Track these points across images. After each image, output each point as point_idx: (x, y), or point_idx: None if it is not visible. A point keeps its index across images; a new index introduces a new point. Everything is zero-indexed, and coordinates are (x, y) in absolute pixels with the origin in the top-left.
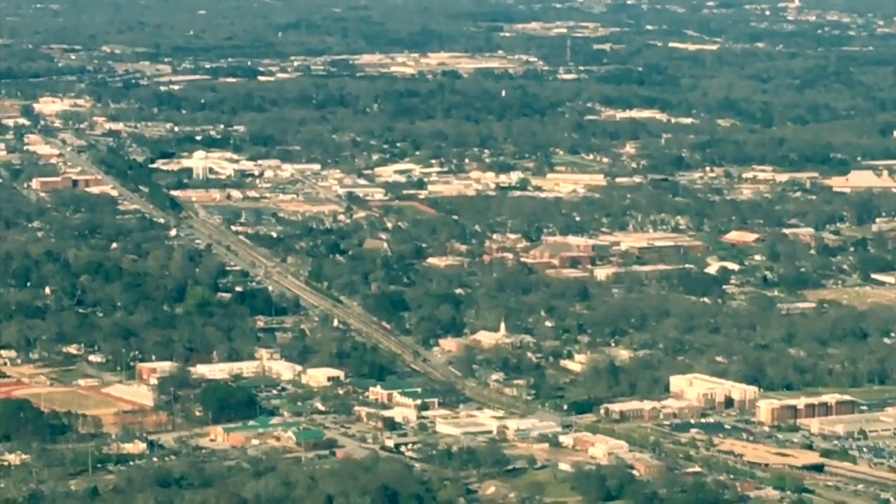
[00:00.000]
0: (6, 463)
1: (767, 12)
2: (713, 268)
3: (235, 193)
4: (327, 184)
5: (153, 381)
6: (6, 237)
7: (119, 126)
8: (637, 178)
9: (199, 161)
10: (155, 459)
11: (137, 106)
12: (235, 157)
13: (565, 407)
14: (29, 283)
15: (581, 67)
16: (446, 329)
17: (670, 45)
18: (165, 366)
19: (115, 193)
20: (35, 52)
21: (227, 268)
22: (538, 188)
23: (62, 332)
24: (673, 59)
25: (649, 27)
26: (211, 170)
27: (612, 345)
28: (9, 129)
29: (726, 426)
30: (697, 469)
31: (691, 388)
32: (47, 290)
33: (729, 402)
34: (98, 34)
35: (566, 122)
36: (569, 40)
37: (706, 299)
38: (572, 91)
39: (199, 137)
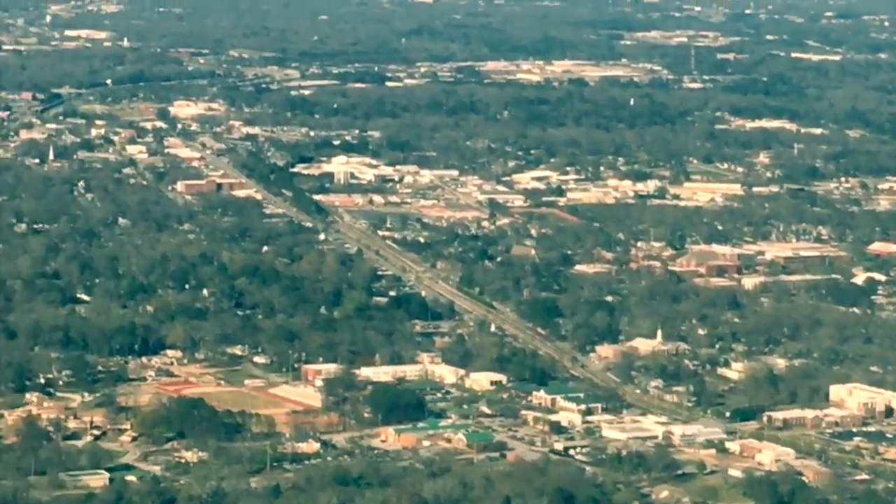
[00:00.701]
0: (183, 460)
1: (886, 23)
2: (860, 278)
3: (377, 198)
4: (467, 190)
5: (318, 382)
6: (159, 239)
7: (255, 130)
8: (773, 188)
9: (340, 166)
10: (330, 459)
11: (271, 110)
12: (374, 162)
13: (727, 414)
14: (187, 286)
15: (706, 76)
16: (601, 336)
17: (793, 55)
18: (330, 368)
19: (259, 197)
20: (164, 55)
21: (380, 272)
22: (676, 196)
23: (225, 334)
24: (797, 69)
25: (769, 37)
26: (352, 175)
27: (767, 353)
28: (147, 132)
29: (888, 435)
30: (865, 476)
31: (851, 398)
32: (205, 292)
33: (889, 411)
34: (224, 38)
35: (697, 130)
36: (692, 49)
37: (856, 309)
38: (700, 100)
39: (336, 142)
